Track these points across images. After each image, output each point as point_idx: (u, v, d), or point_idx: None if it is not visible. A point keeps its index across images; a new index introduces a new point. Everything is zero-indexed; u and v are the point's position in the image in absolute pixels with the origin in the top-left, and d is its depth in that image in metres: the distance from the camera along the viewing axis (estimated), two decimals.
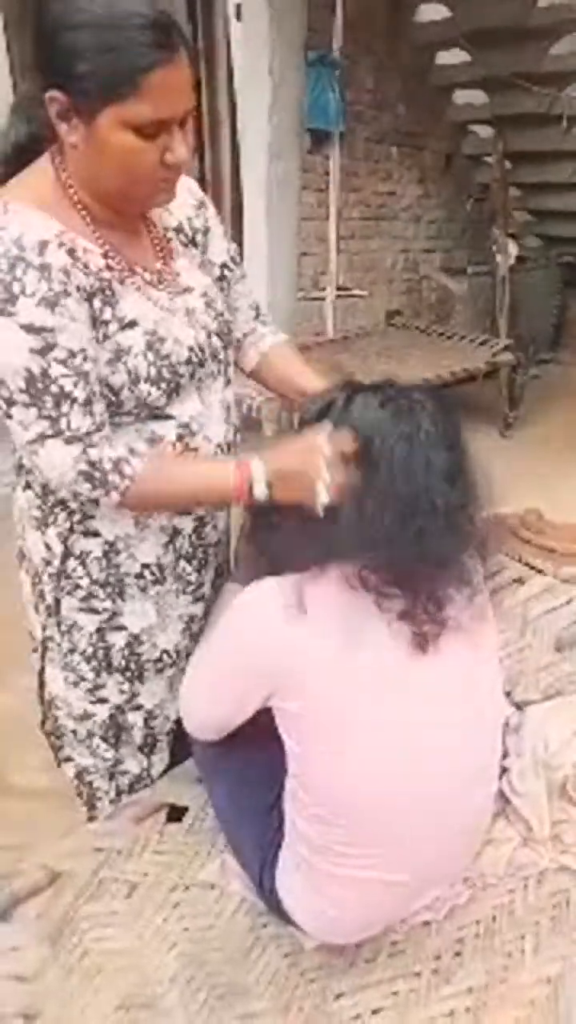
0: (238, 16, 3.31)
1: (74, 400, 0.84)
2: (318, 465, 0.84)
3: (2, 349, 0.81)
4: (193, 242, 1.05)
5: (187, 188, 1.02)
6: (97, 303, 0.87)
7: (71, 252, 0.85)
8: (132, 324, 0.90)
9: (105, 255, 0.89)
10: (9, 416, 0.85)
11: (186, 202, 1.04)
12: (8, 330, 0.80)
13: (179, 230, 1.03)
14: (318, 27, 3.48)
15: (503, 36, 3.55)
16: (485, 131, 4.41)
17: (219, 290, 1.07)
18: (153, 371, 0.91)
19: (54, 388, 0.83)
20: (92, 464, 0.87)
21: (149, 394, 0.92)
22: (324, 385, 1.04)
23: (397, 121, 4.18)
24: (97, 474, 0.87)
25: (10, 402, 0.83)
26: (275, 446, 0.95)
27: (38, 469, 0.89)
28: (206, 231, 1.07)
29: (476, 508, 0.87)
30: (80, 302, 0.85)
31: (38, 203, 0.85)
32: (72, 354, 0.83)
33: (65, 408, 0.84)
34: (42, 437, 0.85)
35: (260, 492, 0.89)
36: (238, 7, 3.29)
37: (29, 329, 0.80)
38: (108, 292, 0.88)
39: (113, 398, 0.90)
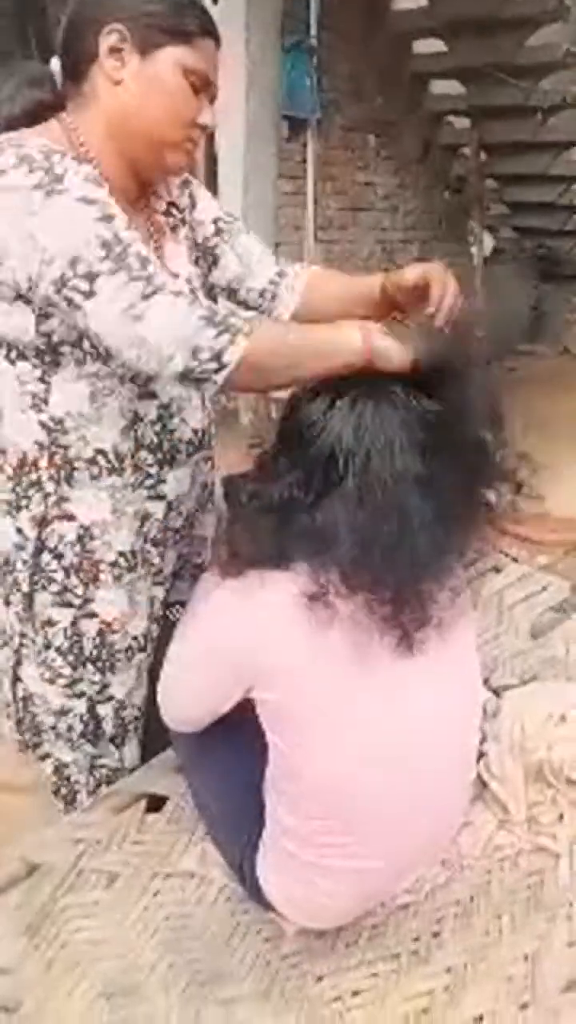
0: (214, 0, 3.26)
1: (156, 264, 0.80)
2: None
3: (66, 225, 0.77)
4: (181, 221, 1.05)
5: None
6: None
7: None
8: None
9: None
10: (92, 295, 0.77)
11: (172, 183, 1.05)
12: (65, 207, 0.77)
13: (167, 213, 1.04)
14: (294, 12, 3.44)
15: (479, 26, 3.54)
16: (461, 122, 4.40)
17: (221, 244, 1.07)
18: None
19: (133, 250, 0.79)
20: (209, 308, 0.79)
21: None
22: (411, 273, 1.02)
23: (374, 110, 4.15)
24: (218, 317, 0.78)
25: (91, 277, 0.77)
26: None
27: (145, 339, 0.77)
28: (193, 206, 1.07)
29: (455, 520, 0.83)
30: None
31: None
32: (128, 227, 0.81)
33: (152, 269, 0.79)
34: (143, 297, 0.77)
35: (379, 341, 0.83)
36: None
37: (86, 201, 0.79)
38: None
39: (104, 354, 0.87)
